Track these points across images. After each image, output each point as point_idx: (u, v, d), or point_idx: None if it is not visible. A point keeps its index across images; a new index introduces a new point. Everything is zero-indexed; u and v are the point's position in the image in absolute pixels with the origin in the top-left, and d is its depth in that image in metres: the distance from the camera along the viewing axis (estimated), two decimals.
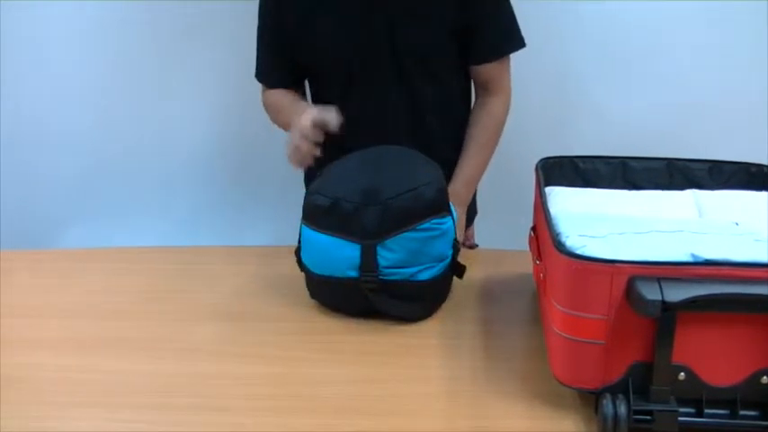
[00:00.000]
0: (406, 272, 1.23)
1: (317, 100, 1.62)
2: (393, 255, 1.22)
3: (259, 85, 1.63)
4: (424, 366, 1.14)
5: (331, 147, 1.41)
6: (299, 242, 1.31)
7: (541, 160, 1.32)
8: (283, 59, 1.59)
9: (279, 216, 1.72)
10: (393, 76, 1.54)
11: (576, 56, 1.76)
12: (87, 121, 2.05)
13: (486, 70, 1.58)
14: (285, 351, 1.19)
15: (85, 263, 1.50)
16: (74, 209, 2.10)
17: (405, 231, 1.22)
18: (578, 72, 1.70)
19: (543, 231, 1.13)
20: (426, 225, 1.23)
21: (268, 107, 1.65)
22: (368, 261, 1.22)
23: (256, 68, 1.64)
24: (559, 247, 1.02)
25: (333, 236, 1.23)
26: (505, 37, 1.56)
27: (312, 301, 1.31)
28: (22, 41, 1.97)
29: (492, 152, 1.60)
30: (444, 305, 1.31)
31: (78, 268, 1.48)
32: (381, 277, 1.22)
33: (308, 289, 1.32)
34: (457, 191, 1.55)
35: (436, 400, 1.07)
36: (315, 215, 1.26)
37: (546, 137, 1.80)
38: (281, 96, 1.61)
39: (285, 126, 1.54)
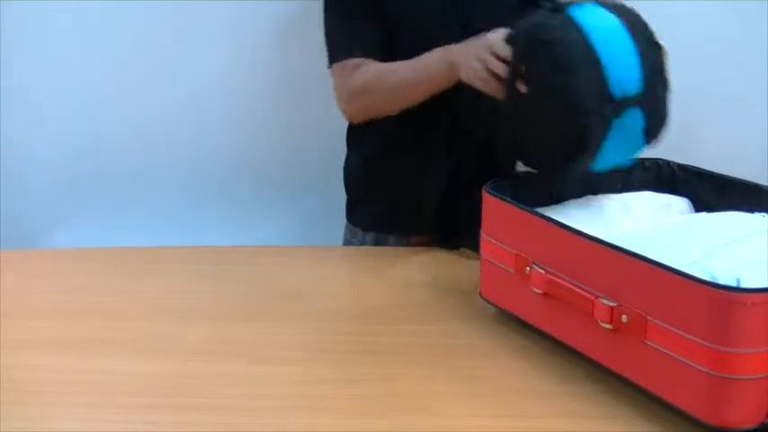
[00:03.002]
0: None
1: None
2: None
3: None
4: (424, 365, 1.13)
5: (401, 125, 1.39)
6: None
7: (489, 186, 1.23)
8: (372, 27, 1.45)
9: (272, 217, 1.83)
10: None
11: None
12: (79, 118, 1.95)
13: None
14: (277, 351, 1.17)
15: (74, 263, 1.50)
16: (62, 209, 1.99)
17: None
18: None
19: (602, 259, 1.02)
20: None
21: (368, 81, 1.44)
22: None
23: (337, 48, 1.47)
24: (696, 279, 0.92)
25: None
26: None
27: (304, 302, 1.31)
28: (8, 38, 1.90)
29: None
30: (444, 306, 1.30)
31: (67, 269, 1.48)
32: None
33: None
34: None
35: (434, 399, 1.05)
36: None
37: None
38: (379, 63, 1.43)
39: (401, 83, 1.41)
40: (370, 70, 1.45)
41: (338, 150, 1.68)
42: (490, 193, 1.21)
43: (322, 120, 1.86)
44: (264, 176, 1.97)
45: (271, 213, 1.97)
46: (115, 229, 1.94)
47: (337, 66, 1.48)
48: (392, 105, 1.43)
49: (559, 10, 1.17)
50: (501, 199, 1.20)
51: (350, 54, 1.46)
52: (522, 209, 1.16)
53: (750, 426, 0.93)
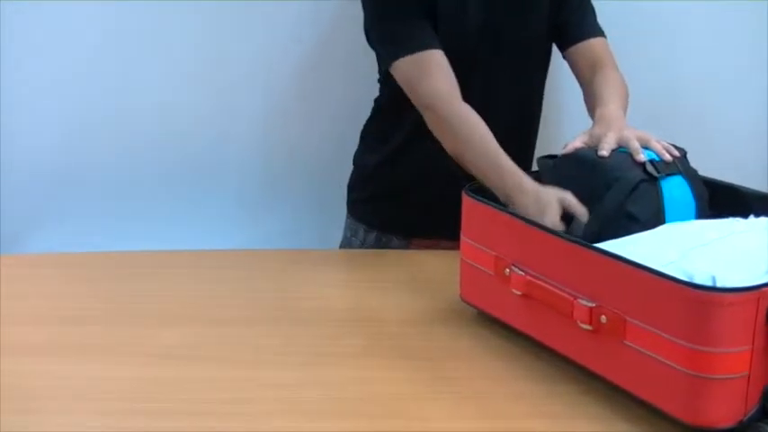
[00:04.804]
0: None
1: None
2: None
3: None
4: (404, 368, 1.13)
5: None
6: None
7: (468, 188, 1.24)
8: (427, 22, 1.44)
9: (250, 220, 1.79)
10: (502, 64, 1.51)
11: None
12: (62, 119, 1.91)
13: (594, 45, 1.54)
14: (259, 355, 1.17)
15: (50, 268, 1.49)
16: (38, 213, 1.97)
17: None
18: (567, 76, 1.56)
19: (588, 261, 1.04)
20: None
21: (459, 124, 1.38)
22: None
23: (402, 43, 1.43)
24: (673, 279, 0.93)
25: None
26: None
27: (282, 306, 1.32)
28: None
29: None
30: (423, 308, 1.31)
31: (43, 274, 1.46)
32: None
33: None
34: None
35: (414, 401, 1.05)
36: None
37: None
38: (488, 138, 1.35)
39: (463, 156, 1.36)
40: (467, 116, 1.39)
41: (335, 150, 1.67)
42: (469, 195, 1.22)
43: (320, 118, 1.86)
44: (240, 181, 1.96)
45: (246, 217, 1.96)
46: (91, 233, 1.92)
47: (409, 59, 1.43)
48: (448, 148, 1.41)
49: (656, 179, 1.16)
50: (480, 201, 1.20)
51: (418, 47, 1.42)
52: (500, 210, 1.17)
53: (728, 424, 0.94)
